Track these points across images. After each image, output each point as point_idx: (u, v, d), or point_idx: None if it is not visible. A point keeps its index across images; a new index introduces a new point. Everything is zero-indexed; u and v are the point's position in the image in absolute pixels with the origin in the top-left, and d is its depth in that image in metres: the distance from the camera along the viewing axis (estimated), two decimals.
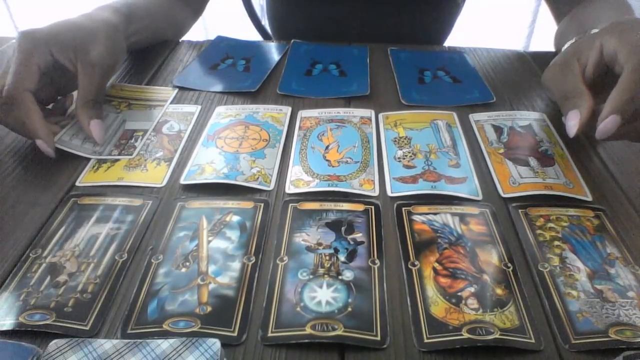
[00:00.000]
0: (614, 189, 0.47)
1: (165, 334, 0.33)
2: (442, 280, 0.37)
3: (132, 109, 0.58)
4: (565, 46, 0.55)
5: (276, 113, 0.57)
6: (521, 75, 0.67)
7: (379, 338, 0.33)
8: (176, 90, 0.62)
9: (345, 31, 0.85)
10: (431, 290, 0.36)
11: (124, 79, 0.65)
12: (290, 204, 0.44)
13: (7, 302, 0.35)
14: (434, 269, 0.38)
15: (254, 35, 0.97)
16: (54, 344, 0.30)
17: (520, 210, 0.44)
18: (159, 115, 0.57)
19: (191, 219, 0.43)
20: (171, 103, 0.59)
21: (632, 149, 0.52)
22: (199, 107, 0.59)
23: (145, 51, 0.71)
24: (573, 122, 0.45)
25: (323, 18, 0.85)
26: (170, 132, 0.54)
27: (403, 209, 0.44)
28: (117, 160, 0.50)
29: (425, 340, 0.33)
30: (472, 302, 0.35)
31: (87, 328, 0.34)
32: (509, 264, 0.39)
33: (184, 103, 0.60)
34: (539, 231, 0.42)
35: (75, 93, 0.54)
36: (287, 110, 0.58)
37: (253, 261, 0.39)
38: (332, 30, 0.85)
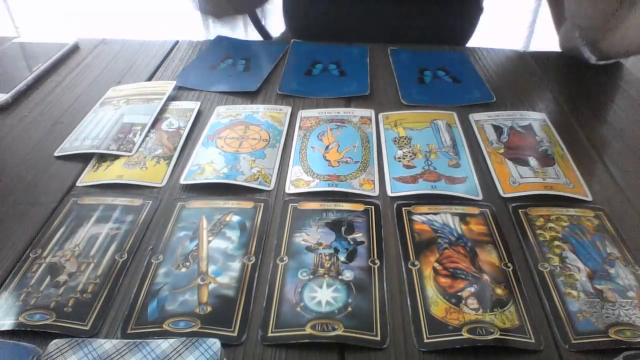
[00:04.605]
0: (614, 189, 0.47)
1: (165, 334, 0.33)
2: (442, 280, 0.37)
3: (130, 104, 0.58)
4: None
5: (276, 113, 0.57)
6: (521, 75, 0.67)
7: (378, 338, 0.33)
8: (174, 82, 0.61)
9: (366, 30, 0.83)
10: (431, 290, 0.36)
11: (123, 78, 0.65)
12: (290, 204, 0.44)
13: (7, 302, 0.35)
14: (434, 269, 0.38)
15: (254, 35, 0.97)
16: (54, 344, 0.30)
17: (520, 210, 0.44)
18: (158, 107, 0.56)
19: (191, 219, 0.43)
20: (170, 100, 0.59)
21: (632, 150, 0.52)
22: (198, 103, 0.58)
23: (146, 51, 0.71)
24: None
25: (343, 17, 0.84)
26: (169, 129, 0.54)
27: (403, 209, 0.44)
28: (117, 157, 0.50)
29: (425, 340, 0.33)
30: (472, 302, 0.35)
31: (87, 328, 0.34)
32: (509, 264, 0.39)
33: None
34: (539, 231, 0.42)
35: None
36: (287, 110, 0.58)
37: (253, 261, 0.39)
38: (351, 30, 0.84)
